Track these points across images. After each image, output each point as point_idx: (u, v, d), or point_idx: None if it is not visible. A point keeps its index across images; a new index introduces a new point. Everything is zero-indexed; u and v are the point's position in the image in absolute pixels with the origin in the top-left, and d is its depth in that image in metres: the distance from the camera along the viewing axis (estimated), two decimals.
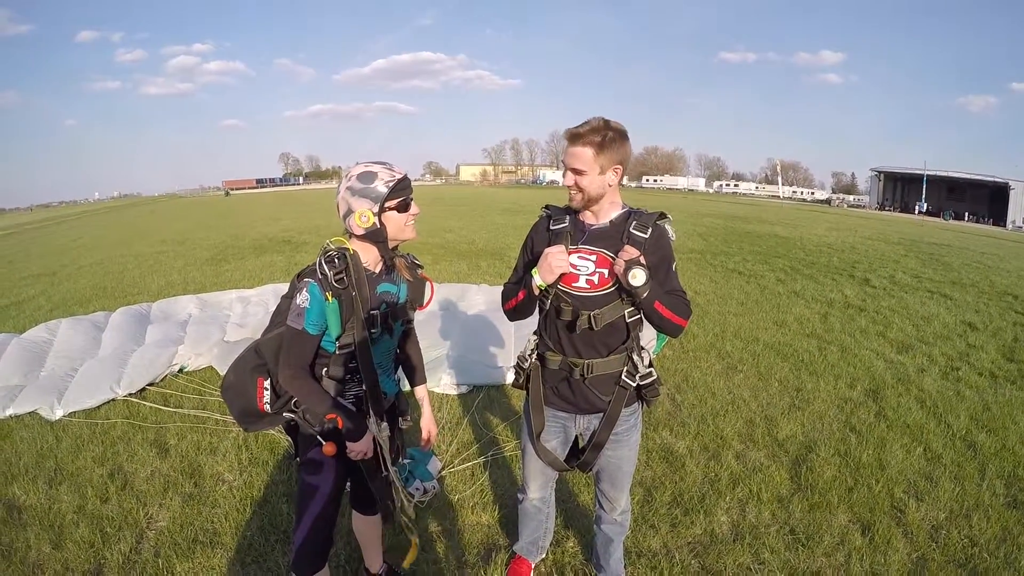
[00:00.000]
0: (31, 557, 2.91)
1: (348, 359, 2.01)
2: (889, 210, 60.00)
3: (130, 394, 4.74)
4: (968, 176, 58.03)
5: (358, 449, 2.03)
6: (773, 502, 3.37)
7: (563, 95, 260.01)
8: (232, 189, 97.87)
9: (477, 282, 8.54)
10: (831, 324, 7.35)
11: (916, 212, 52.70)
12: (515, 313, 2.23)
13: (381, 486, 2.18)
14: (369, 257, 2.01)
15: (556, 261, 1.97)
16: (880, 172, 68.68)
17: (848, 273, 11.27)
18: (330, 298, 1.88)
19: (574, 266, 2.05)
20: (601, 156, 1.95)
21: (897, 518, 3.24)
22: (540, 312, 2.23)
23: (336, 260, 1.91)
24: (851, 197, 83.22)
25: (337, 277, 1.89)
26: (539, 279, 2.01)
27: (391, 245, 2.01)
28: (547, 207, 2.25)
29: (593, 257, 2.05)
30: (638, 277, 1.89)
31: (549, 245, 2.08)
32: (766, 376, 5.41)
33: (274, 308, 2.11)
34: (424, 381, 2.44)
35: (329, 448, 2.01)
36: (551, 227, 2.15)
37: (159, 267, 12.04)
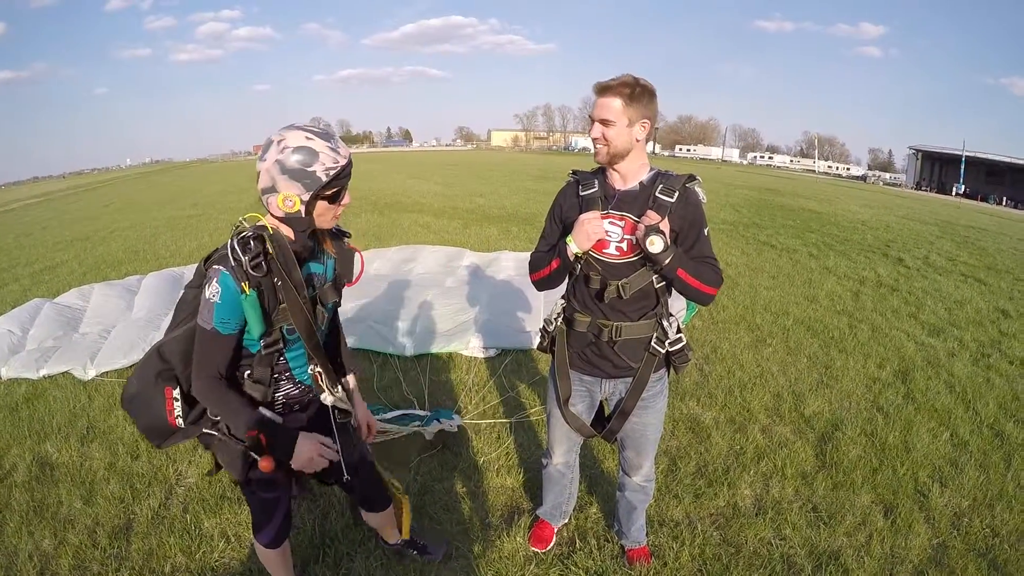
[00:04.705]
0: (63, 512, 3.00)
1: (275, 357, 1.74)
2: (926, 190, 58.17)
3: None
4: (1009, 159, 55.73)
5: (302, 462, 1.73)
6: (797, 478, 3.34)
7: (597, 61, 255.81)
8: None
9: (507, 247, 8.60)
10: (863, 302, 7.20)
11: (953, 194, 50.92)
12: (545, 283, 2.20)
13: (336, 472, 1.93)
14: (288, 235, 1.70)
15: (592, 227, 1.94)
16: (918, 151, 66.41)
17: (882, 252, 10.98)
18: (247, 289, 1.57)
19: (606, 231, 2.01)
20: (629, 108, 1.91)
21: (920, 502, 3.19)
22: (569, 277, 2.20)
23: (252, 242, 1.60)
24: (887, 175, 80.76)
25: (254, 263, 1.58)
26: (575, 246, 1.98)
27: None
28: (575, 172, 2.20)
29: (622, 223, 2.01)
30: (656, 244, 1.85)
31: (581, 211, 2.04)
32: (795, 351, 5.33)
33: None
34: (354, 371, 2.14)
35: (265, 464, 1.69)
36: (581, 192, 2.10)
37: (191, 230, 12.21)
